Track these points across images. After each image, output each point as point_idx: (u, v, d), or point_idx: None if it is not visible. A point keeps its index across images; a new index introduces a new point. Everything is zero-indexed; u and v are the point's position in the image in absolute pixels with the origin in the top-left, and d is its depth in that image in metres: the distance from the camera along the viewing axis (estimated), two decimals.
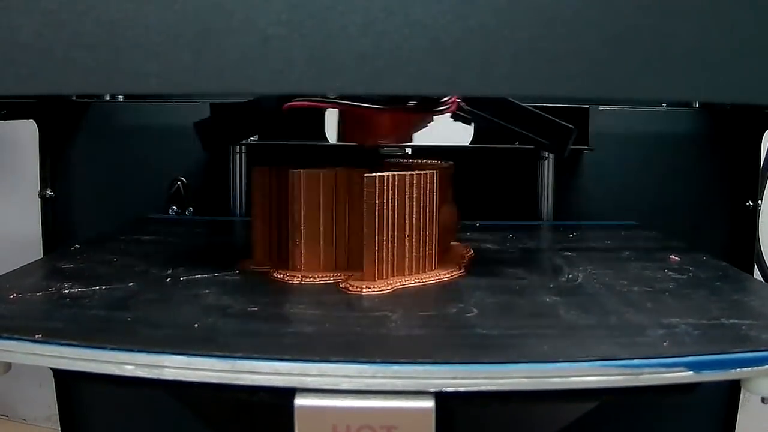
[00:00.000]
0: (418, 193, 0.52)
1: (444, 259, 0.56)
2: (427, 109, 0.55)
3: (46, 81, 0.37)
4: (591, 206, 0.86)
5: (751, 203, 0.84)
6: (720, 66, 0.37)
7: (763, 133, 0.84)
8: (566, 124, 0.61)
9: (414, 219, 0.52)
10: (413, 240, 0.52)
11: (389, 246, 0.50)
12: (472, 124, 0.63)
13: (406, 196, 0.51)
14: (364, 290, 0.49)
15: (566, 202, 0.85)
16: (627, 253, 0.63)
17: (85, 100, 0.85)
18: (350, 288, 0.49)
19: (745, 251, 0.86)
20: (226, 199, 0.84)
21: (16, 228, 1.00)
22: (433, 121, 0.59)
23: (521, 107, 0.60)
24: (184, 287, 0.49)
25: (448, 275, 0.53)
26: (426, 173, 0.53)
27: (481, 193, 0.85)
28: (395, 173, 0.50)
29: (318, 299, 0.47)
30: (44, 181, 0.86)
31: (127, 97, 0.85)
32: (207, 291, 0.48)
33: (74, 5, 0.36)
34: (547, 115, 0.61)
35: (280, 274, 0.52)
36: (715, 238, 0.86)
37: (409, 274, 0.52)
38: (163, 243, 0.66)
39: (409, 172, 0.51)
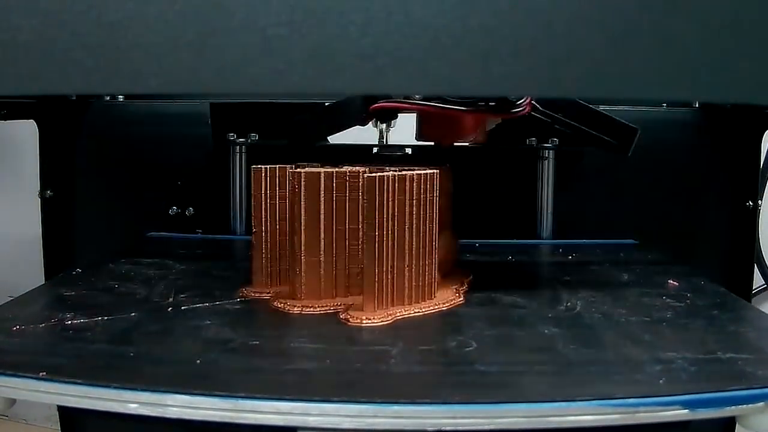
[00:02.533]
0: (419, 197, 0.52)
1: (444, 285, 0.56)
2: (504, 110, 0.57)
3: (46, 81, 0.37)
4: (591, 206, 0.86)
5: (751, 203, 0.84)
6: (720, 66, 0.37)
7: (763, 133, 0.84)
8: (631, 124, 0.63)
9: (414, 237, 0.51)
10: (413, 269, 0.52)
11: (389, 277, 0.50)
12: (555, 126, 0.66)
13: (406, 198, 0.51)
14: (364, 322, 0.48)
15: (566, 201, 0.85)
16: (626, 277, 0.63)
17: (85, 100, 0.85)
18: (350, 319, 0.49)
19: (745, 251, 0.86)
20: (226, 199, 0.84)
21: (16, 228, 1.00)
22: (500, 121, 0.62)
23: (590, 109, 0.62)
24: (185, 318, 0.49)
25: (447, 304, 0.53)
26: (426, 173, 0.53)
27: (480, 194, 0.85)
28: (395, 173, 0.50)
29: (318, 332, 0.47)
30: (44, 181, 0.86)
31: (127, 97, 0.85)
32: (208, 322, 0.48)
33: (74, 5, 0.36)
34: (613, 117, 0.63)
35: (281, 303, 0.52)
36: (715, 238, 0.86)
37: (408, 304, 0.52)
38: (164, 267, 0.65)
39: (409, 172, 0.51)
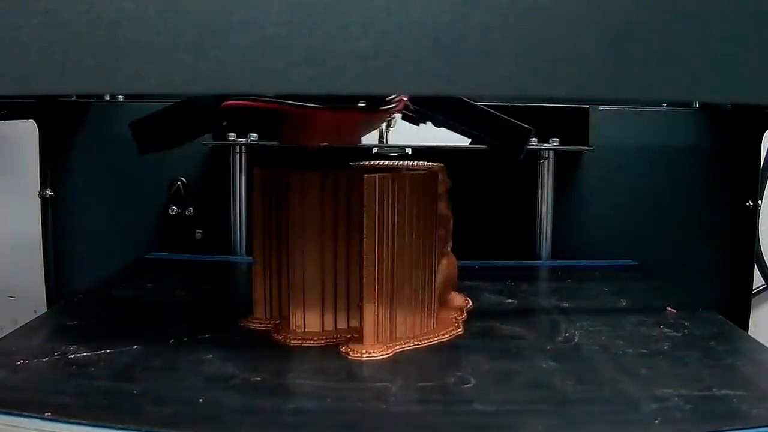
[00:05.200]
0: (419, 199, 0.51)
1: (444, 314, 0.56)
2: (370, 108, 0.52)
3: (46, 81, 0.37)
4: (590, 208, 0.86)
5: (751, 203, 0.84)
6: (720, 66, 0.37)
7: (763, 134, 0.84)
8: (523, 124, 0.57)
9: (414, 270, 0.51)
10: (413, 302, 0.52)
11: (389, 310, 0.50)
12: (420, 125, 0.60)
13: (406, 206, 0.51)
14: (363, 356, 0.49)
15: (565, 204, 0.85)
16: (624, 303, 0.63)
17: (85, 100, 0.85)
18: (350, 353, 0.49)
19: (745, 251, 0.86)
20: (226, 199, 0.84)
21: (16, 228, 1.00)
22: (384, 121, 0.58)
23: (475, 107, 0.57)
24: (187, 351, 0.49)
25: (447, 335, 0.53)
26: (427, 173, 0.53)
27: (478, 197, 0.85)
28: (395, 174, 0.50)
29: (319, 367, 0.47)
30: (44, 181, 0.86)
31: (127, 97, 0.85)
32: (210, 356, 0.48)
33: (74, 5, 0.36)
34: (503, 116, 0.57)
35: (281, 335, 0.52)
36: (715, 238, 0.86)
37: (408, 335, 0.52)
38: (164, 292, 0.66)
39: (410, 173, 0.51)
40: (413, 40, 0.36)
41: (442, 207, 0.56)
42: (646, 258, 0.84)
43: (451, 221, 0.60)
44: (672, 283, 0.73)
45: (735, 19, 0.37)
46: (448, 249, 0.60)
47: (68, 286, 0.87)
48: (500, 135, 0.57)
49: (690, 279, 0.84)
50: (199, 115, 0.57)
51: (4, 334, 0.53)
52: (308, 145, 0.55)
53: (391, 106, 0.53)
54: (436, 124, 0.58)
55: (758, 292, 0.96)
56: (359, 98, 0.51)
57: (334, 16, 0.36)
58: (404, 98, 0.54)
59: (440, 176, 0.56)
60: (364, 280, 0.49)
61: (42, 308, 0.88)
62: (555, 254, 0.84)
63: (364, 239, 0.49)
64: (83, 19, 0.36)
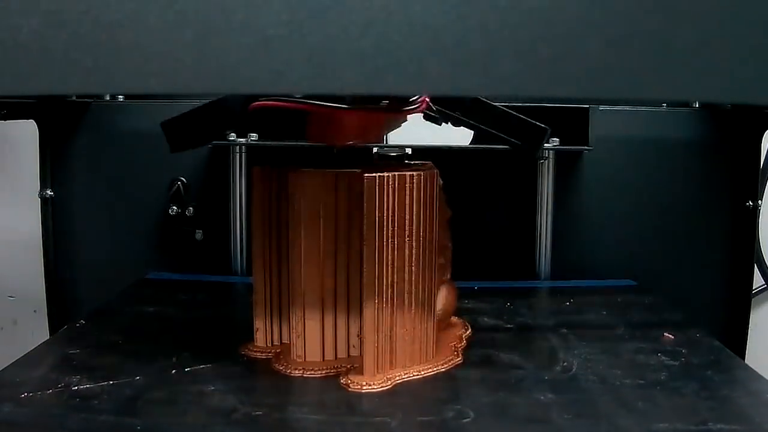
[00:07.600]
0: (419, 205, 0.51)
1: (443, 340, 0.56)
2: (395, 108, 0.54)
3: (46, 81, 0.37)
4: (590, 210, 0.86)
5: (751, 203, 0.84)
6: (720, 66, 0.37)
7: (763, 134, 0.84)
8: (539, 124, 0.58)
9: (414, 300, 0.51)
10: (412, 332, 0.52)
11: (388, 341, 0.50)
12: (442, 124, 0.62)
13: (406, 212, 0.51)
14: (363, 387, 0.49)
15: (566, 205, 0.85)
16: (622, 329, 0.63)
17: (85, 100, 0.85)
18: (350, 385, 0.49)
19: (745, 251, 0.86)
20: (226, 199, 0.84)
21: (16, 228, 1.00)
22: (405, 120, 0.58)
23: (493, 107, 0.58)
24: (189, 382, 0.50)
25: (446, 364, 0.53)
26: (428, 173, 0.53)
27: (477, 200, 0.85)
28: (395, 173, 0.50)
29: (319, 399, 0.48)
30: (44, 181, 0.86)
31: (127, 97, 0.85)
32: (212, 387, 0.48)
33: (74, 5, 0.36)
34: (519, 115, 0.59)
35: (282, 365, 0.52)
36: (715, 238, 0.86)
37: (408, 365, 0.52)
38: (165, 317, 0.66)
39: (409, 172, 0.51)
40: (413, 40, 0.36)
41: (441, 236, 0.56)
42: (646, 258, 0.84)
43: (451, 250, 0.60)
44: (670, 299, 0.73)
45: (735, 19, 0.37)
46: (448, 277, 0.60)
47: (68, 286, 0.87)
48: (518, 134, 0.58)
49: (690, 280, 0.84)
50: (228, 115, 0.58)
51: (3, 334, 0.53)
52: (334, 144, 0.56)
53: (414, 106, 0.54)
54: (455, 124, 0.59)
55: (758, 292, 0.96)
56: (383, 98, 0.51)
57: (334, 16, 0.36)
58: (426, 99, 0.54)
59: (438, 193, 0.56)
60: (365, 312, 0.49)
61: (42, 308, 0.88)
62: (555, 252, 0.84)
63: (364, 271, 0.49)
64: (83, 19, 0.36)
